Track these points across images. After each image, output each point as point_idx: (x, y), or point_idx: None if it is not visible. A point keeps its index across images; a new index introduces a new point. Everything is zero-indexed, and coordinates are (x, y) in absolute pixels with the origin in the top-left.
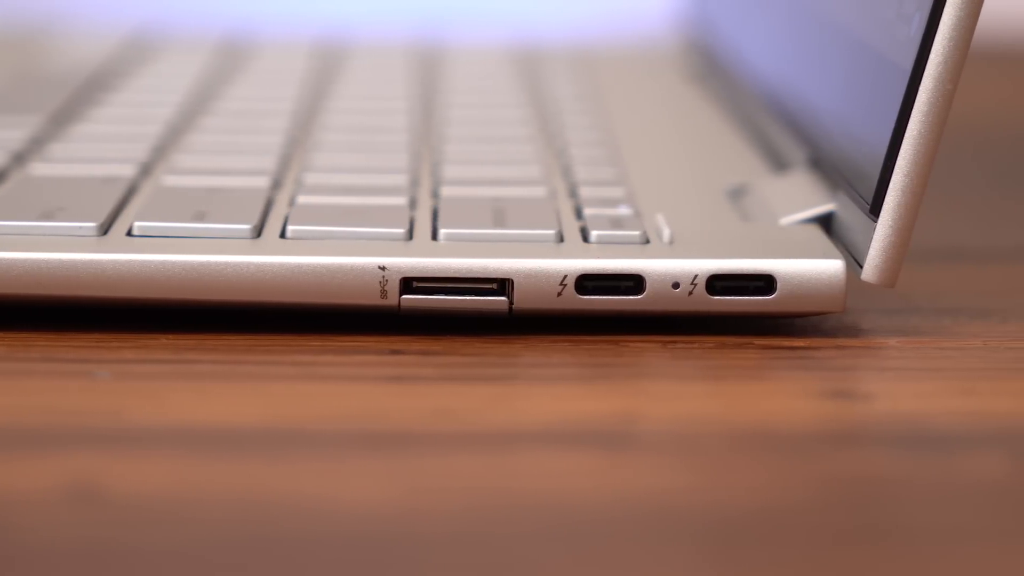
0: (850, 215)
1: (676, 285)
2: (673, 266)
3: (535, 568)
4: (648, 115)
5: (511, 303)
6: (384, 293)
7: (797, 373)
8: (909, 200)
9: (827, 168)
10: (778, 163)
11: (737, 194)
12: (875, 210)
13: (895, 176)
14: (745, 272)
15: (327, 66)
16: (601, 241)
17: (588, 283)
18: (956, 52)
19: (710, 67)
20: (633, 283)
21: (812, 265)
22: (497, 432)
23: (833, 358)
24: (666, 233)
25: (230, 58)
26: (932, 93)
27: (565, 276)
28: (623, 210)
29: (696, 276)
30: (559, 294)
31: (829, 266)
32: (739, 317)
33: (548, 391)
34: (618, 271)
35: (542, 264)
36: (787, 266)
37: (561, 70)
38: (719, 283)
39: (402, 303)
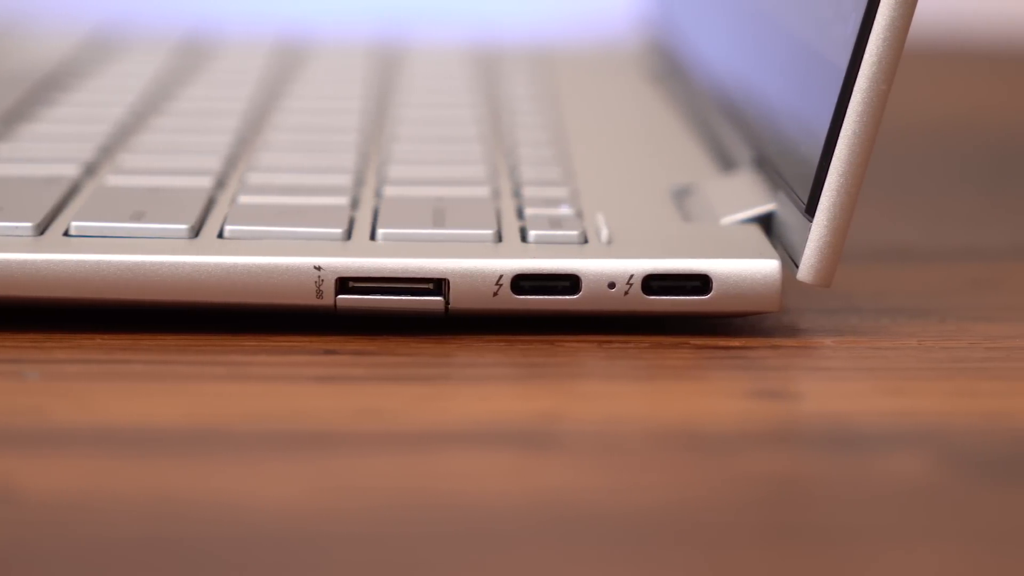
0: (788, 215)
1: (612, 285)
2: (609, 266)
3: (441, 568)
4: (602, 115)
5: (447, 303)
6: (320, 293)
7: (729, 373)
8: (844, 200)
9: (769, 168)
10: (727, 163)
11: (682, 194)
12: (811, 210)
13: (830, 176)
14: (681, 272)
15: (286, 65)
16: (539, 241)
17: (524, 283)
18: (890, 52)
19: (670, 68)
20: (569, 283)
21: (747, 265)
22: (419, 432)
23: (767, 358)
24: (604, 233)
25: (190, 57)
26: (867, 93)
27: (501, 276)
28: (564, 210)
29: (632, 276)
30: (495, 294)
31: (764, 266)
32: (678, 317)
33: (477, 391)
34: (554, 271)
35: (478, 264)
36: (722, 266)
37: (520, 70)
38: (655, 283)
39: (338, 303)
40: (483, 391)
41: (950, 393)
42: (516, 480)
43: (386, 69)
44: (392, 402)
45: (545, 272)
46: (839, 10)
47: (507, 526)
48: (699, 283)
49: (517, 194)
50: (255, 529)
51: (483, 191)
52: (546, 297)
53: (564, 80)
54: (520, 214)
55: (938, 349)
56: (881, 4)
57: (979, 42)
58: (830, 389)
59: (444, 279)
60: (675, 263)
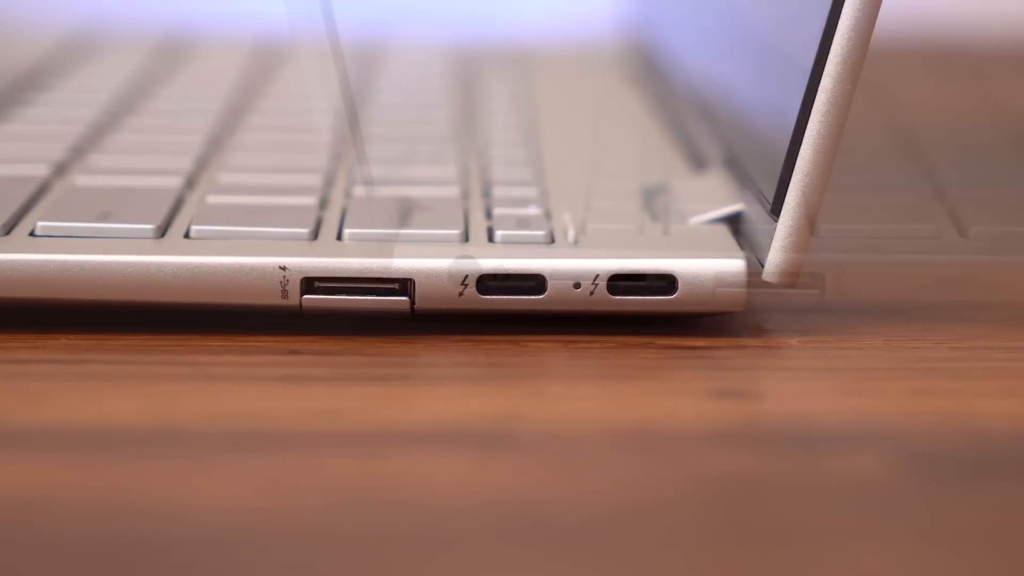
0: (755, 215)
1: (577, 285)
2: (574, 266)
3: (397, 568)
4: (578, 116)
5: (413, 303)
6: (285, 293)
7: (691, 373)
8: (809, 200)
9: (739, 168)
10: (699, 163)
11: (652, 194)
12: (776, 210)
13: (795, 176)
14: (646, 271)
15: (265, 65)
16: (506, 241)
17: (490, 283)
18: (855, 52)
19: (649, 69)
20: (535, 283)
21: (713, 265)
22: (379, 432)
23: (731, 358)
24: (571, 233)
25: (168, 58)
26: (831, 93)
27: (466, 276)
28: (532, 210)
29: (597, 276)
30: (461, 294)
31: (729, 266)
32: (643, 317)
33: (438, 391)
34: (519, 271)
35: (443, 264)
36: (687, 266)
37: (499, 71)
38: (620, 283)
39: (304, 303)
40: (446, 391)
41: (912, 393)
42: (474, 481)
43: (364, 68)
44: (353, 402)
45: (510, 272)
46: (805, 11)
47: (463, 526)
48: (665, 283)
49: (487, 194)
50: (210, 529)
51: (453, 191)
52: (512, 297)
53: (542, 80)
54: (488, 214)
55: (903, 349)
56: (846, 5)
57: (956, 40)
58: (793, 389)
59: (410, 279)
60: (640, 263)
